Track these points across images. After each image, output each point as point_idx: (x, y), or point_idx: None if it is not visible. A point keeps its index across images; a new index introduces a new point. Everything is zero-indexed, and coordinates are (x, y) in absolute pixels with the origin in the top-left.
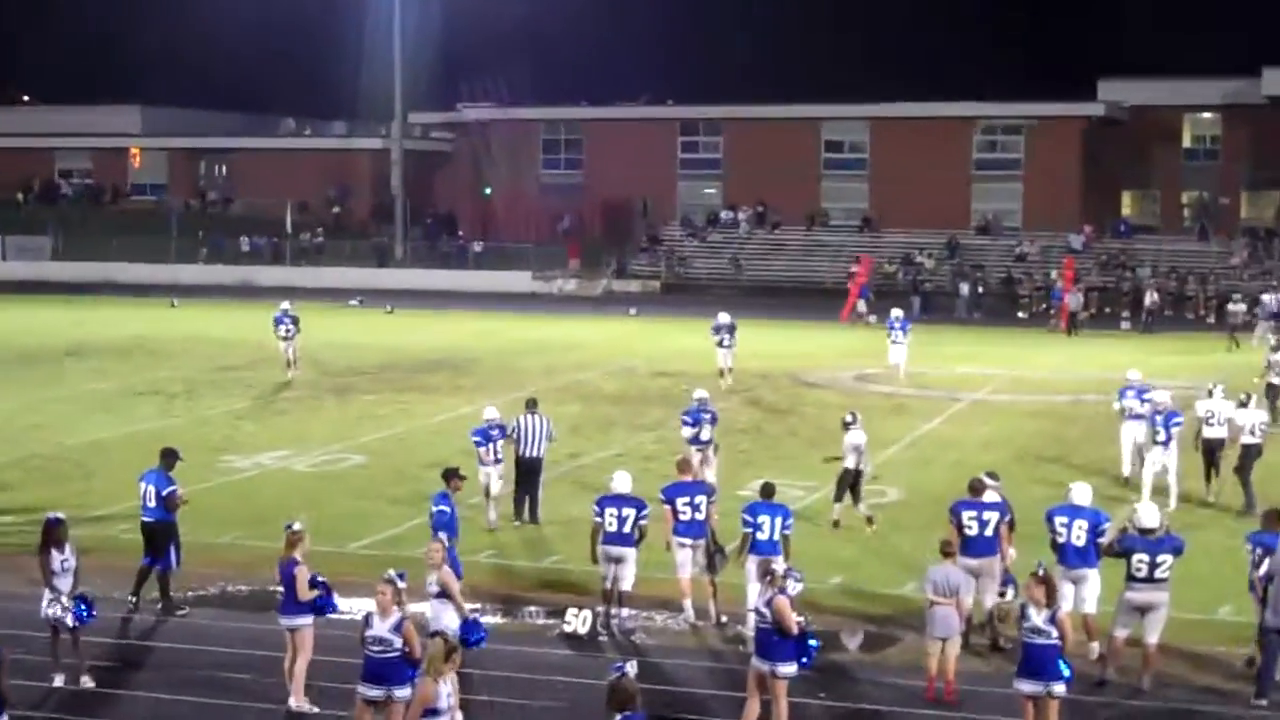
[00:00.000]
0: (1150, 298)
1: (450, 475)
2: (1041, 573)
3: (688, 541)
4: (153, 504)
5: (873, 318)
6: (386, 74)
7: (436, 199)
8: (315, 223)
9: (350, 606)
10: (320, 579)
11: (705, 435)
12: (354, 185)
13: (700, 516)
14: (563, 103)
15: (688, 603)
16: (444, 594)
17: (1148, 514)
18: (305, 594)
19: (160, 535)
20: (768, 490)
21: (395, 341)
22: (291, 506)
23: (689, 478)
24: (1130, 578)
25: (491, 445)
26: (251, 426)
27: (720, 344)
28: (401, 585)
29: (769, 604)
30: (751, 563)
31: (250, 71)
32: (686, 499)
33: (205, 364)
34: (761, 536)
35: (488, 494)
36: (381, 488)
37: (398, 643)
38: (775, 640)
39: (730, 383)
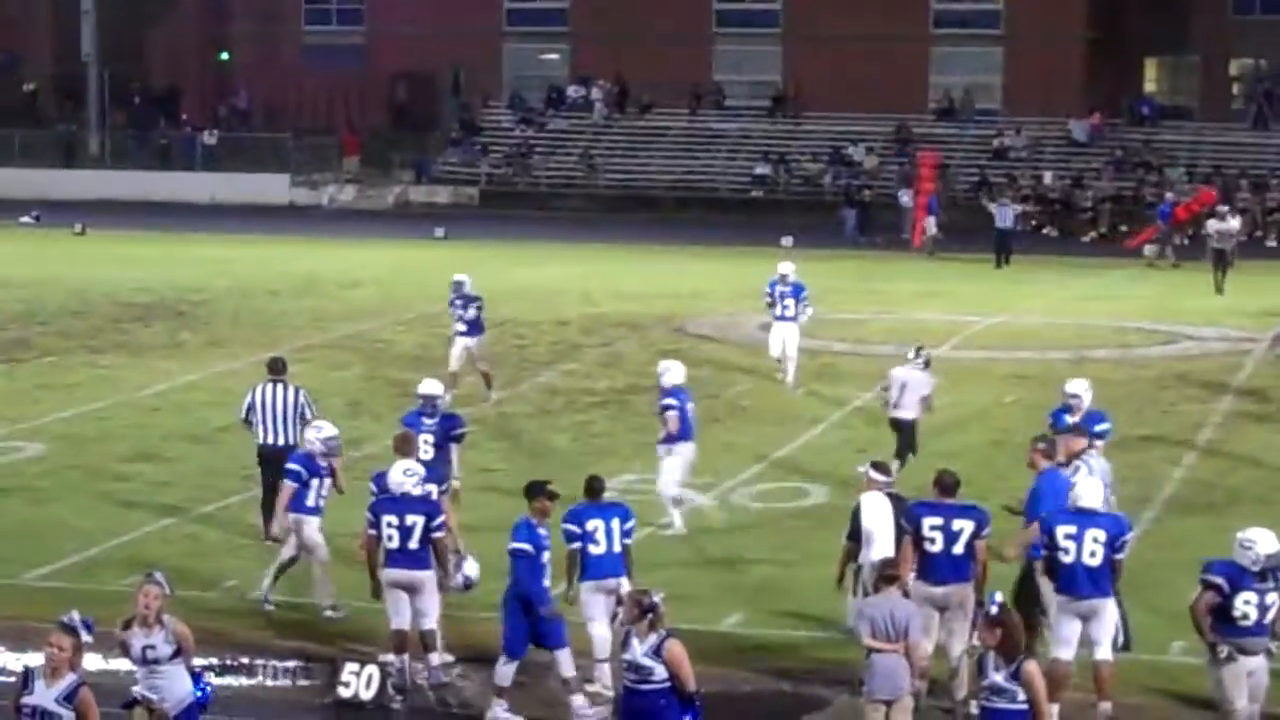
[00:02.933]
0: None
1: (538, 492)
2: (995, 611)
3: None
4: None
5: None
6: None
7: (150, 67)
8: None
9: (14, 663)
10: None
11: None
12: (25, 47)
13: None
14: None
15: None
16: (178, 654)
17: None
18: None
19: None
20: (594, 487)
21: (89, 276)
22: None
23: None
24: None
25: (318, 483)
26: None
27: (459, 326)
28: (86, 638)
29: (657, 652)
30: (591, 592)
31: None
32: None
33: None
34: (597, 550)
35: (283, 562)
36: (70, 491)
37: (68, 718)
38: (662, 705)
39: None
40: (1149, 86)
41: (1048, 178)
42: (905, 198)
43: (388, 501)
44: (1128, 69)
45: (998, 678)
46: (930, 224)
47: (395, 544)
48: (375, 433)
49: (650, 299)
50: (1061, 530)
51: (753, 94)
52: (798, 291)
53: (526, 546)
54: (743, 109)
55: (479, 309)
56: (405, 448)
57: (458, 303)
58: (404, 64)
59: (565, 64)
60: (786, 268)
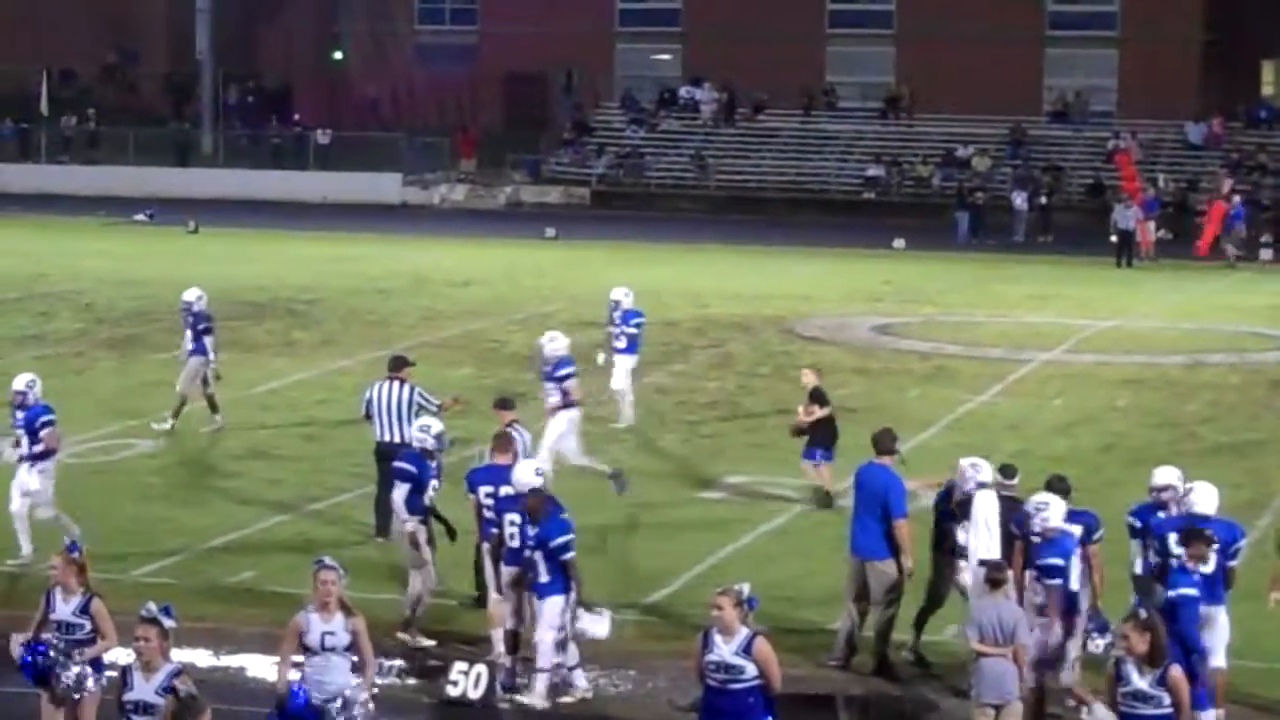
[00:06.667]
0: None
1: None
2: (1145, 616)
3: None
4: None
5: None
6: None
7: (263, 66)
8: (85, 100)
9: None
10: (39, 640)
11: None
12: (142, 44)
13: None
14: None
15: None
16: (351, 645)
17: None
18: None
19: None
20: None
21: (201, 274)
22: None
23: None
24: None
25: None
26: None
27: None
28: (169, 624)
29: (748, 650)
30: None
31: None
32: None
33: None
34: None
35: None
36: (181, 488)
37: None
38: (750, 704)
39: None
40: (1266, 90)
41: (1162, 181)
42: (1019, 200)
43: (510, 500)
44: (1244, 72)
45: (1143, 684)
46: (1234, 236)
47: (517, 543)
48: (486, 431)
49: (760, 300)
50: (1174, 537)
51: (865, 95)
52: (628, 319)
53: (1192, 592)
54: (855, 110)
55: (207, 330)
56: (504, 445)
57: (188, 319)
58: (516, 63)
59: (678, 64)
60: (618, 293)
